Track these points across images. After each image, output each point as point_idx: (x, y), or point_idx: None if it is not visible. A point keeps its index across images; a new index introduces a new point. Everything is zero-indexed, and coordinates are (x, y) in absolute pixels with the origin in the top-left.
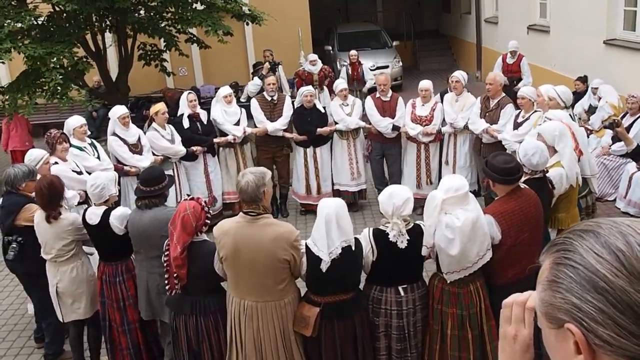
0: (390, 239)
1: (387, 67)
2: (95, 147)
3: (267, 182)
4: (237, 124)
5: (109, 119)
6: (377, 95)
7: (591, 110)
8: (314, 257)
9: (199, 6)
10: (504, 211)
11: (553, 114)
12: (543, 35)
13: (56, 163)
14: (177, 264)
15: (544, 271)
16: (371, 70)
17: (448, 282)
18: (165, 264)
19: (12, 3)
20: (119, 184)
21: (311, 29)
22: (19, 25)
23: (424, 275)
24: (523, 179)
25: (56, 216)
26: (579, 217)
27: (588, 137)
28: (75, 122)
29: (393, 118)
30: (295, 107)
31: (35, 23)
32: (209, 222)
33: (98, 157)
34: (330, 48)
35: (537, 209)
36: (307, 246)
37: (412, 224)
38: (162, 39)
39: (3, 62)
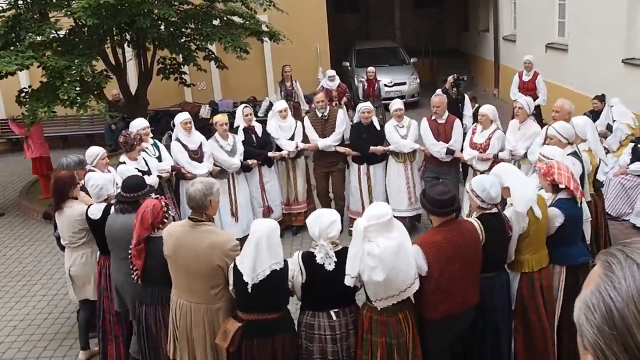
0: (318, 261)
1: (404, 83)
2: (158, 147)
3: (214, 192)
4: (292, 137)
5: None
6: (432, 117)
7: (610, 128)
8: (240, 275)
9: (217, 22)
10: (431, 242)
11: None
12: (561, 53)
13: (124, 163)
14: (133, 254)
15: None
16: (388, 86)
17: (378, 309)
18: (130, 256)
19: (35, 17)
20: (178, 187)
21: (331, 45)
22: (40, 38)
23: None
24: (477, 213)
25: (60, 209)
26: (547, 260)
27: (606, 155)
28: (139, 124)
29: (448, 141)
30: (354, 122)
31: (57, 36)
32: (166, 221)
33: (159, 157)
34: (349, 64)
35: (472, 243)
36: (234, 263)
37: (341, 247)
38: (181, 55)
39: (27, 68)
